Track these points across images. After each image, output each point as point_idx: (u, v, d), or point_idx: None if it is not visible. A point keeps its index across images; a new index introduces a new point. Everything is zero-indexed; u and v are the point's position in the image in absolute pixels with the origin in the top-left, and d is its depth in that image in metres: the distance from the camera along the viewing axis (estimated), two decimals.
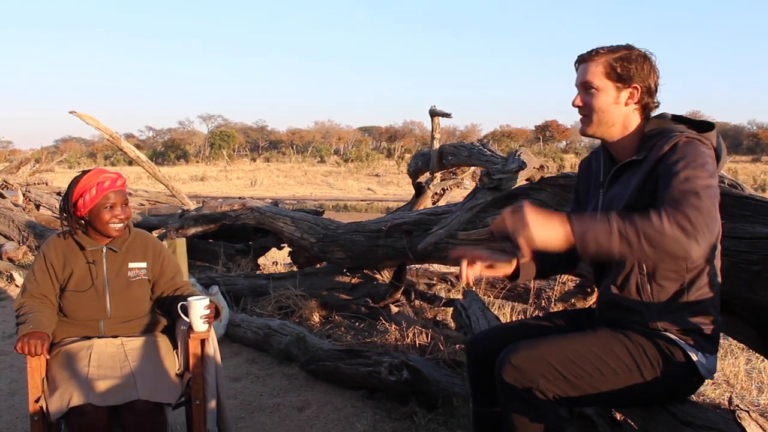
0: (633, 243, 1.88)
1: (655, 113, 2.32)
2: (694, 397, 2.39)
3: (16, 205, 11.31)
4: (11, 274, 7.76)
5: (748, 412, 1.62)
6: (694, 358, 2.17)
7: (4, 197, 12.13)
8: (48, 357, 2.69)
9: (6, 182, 13.27)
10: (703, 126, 2.23)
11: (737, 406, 1.64)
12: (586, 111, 2.31)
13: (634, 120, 2.29)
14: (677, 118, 2.28)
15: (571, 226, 1.95)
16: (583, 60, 2.31)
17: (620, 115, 2.28)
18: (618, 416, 2.59)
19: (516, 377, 2.15)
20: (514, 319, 5.33)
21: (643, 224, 1.89)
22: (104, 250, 2.91)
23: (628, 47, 2.27)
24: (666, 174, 2.05)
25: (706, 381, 2.38)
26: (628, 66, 2.23)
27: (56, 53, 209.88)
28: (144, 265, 2.96)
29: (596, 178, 2.45)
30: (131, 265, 2.94)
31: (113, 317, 2.88)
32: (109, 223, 2.84)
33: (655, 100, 2.30)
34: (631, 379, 2.16)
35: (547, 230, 1.96)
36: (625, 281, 2.26)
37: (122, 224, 2.88)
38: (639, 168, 2.20)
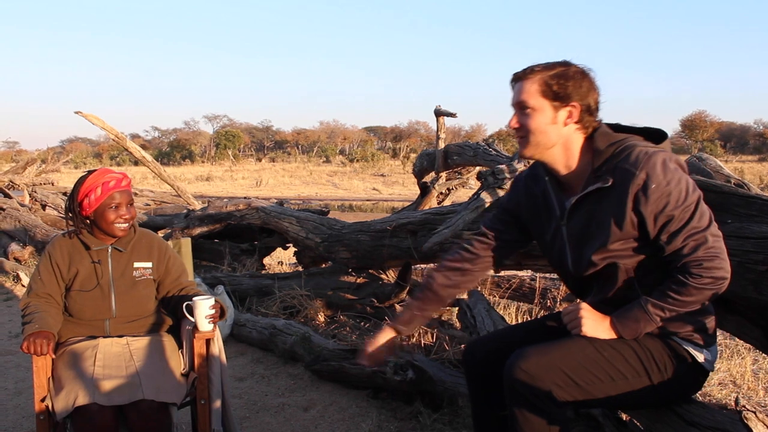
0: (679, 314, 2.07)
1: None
2: (700, 398, 2.38)
3: (23, 205, 11.33)
4: (17, 274, 7.79)
5: (754, 412, 1.61)
6: (700, 358, 2.16)
7: (10, 197, 12.17)
8: (53, 356, 2.70)
9: (12, 182, 13.30)
10: (653, 133, 2.18)
11: (744, 406, 1.63)
12: (523, 132, 2.21)
13: (577, 140, 2.20)
14: (617, 127, 2.21)
15: (618, 332, 2.16)
16: (518, 78, 2.21)
17: (559, 136, 2.18)
18: (624, 416, 2.58)
19: (527, 384, 2.10)
20: (519, 318, 5.33)
21: (681, 299, 2.03)
22: (109, 250, 2.92)
23: (565, 63, 2.17)
24: (663, 219, 2.02)
25: (713, 382, 2.37)
26: (565, 83, 2.13)
27: (62, 53, 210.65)
28: (149, 264, 2.97)
29: (546, 205, 2.34)
30: (136, 264, 2.94)
31: (118, 317, 2.88)
32: (114, 222, 2.84)
33: (597, 119, 2.20)
34: (639, 383, 2.14)
35: (597, 333, 2.17)
36: (618, 297, 2.21)
37: (127, 224, 2.88)
38: (608, 196, 2.10)
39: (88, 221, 2.89)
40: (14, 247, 9.00)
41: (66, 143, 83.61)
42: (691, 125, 66.23)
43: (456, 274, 2.54)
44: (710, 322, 2.20)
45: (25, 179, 13.88)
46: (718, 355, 3.04)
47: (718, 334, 2.29)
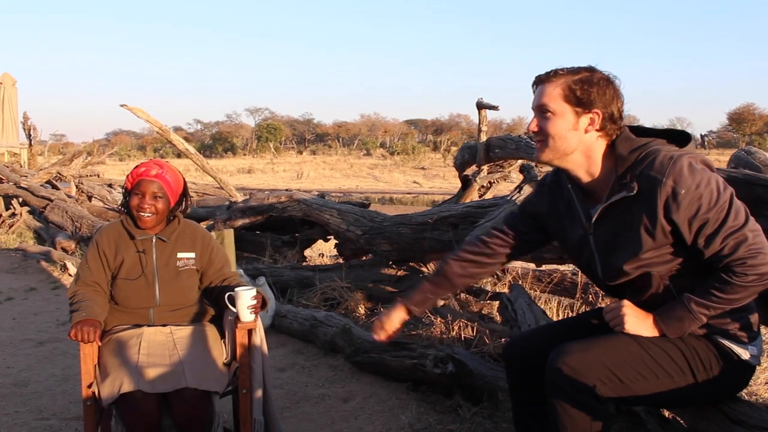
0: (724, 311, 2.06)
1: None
2: (745, 396, 2.33)
3: (69, 197, 11.56)
4: (65, 264, 7.96)
5: None
6: (745, 356, 2.11)
7: (57, 188, 12.43)
8: (100, 344, 2.75)
9: (60, 174, 13.59)
10: (677, 135, 2.13)
11: None
12: (542, 136, 2.17)
13: (599, 147, 2.15)
14: (637, 130, 2.16)
15: (662, 331, 2.13)
16: (540, 81, 2.17)
17: (579, 142, 2.13)
18: (667, 414, 2.54)
19: (571, 379, 2.08)
20: (561, 313, 5.27)
21: (727, 297, 2.00)
22: (153, 240, 2.96)
23: (590, 69, 2.12)
24: (699, 223, 1.97)
25: (759, 381, 2.32)
26: (589, 89, 2.08)
27: (108, 47, 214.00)
28: (192, 255, 3.00)
29: (570, 213, 2.30)
30: (180, 255, 2.99)
31: (162, 305, 2.93)
32: (136, 209, 2.89)
33: (620, 126, 2.14)
34: (684, 382, 2.11)
35: (639, 330, 2.14)
36: (654, 301, 2.17)
37: (150, 215, 2.89)
38: (637, 204, 2.05)
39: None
40: (62, 237, 9.19)
41: (111, 136, 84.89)
42: (738, 118, 64.82)
43: (472, 265, 2.56)
44: (753, 317, 2.16)
45: (72, 171, 14.15)
46: (763, 353, 2.96)
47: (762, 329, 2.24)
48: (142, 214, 2.89)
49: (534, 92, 2.20)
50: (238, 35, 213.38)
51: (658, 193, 1.98)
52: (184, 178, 3.10)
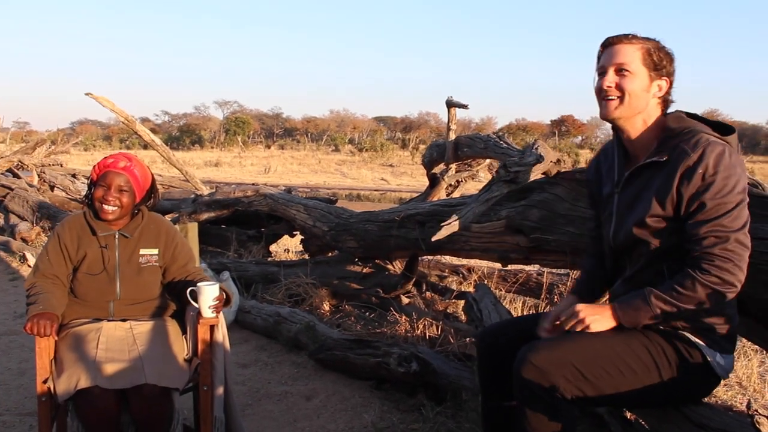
0: (676, 313, 2.09)
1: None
2: (705, 399, 2.34)
3: (31, 186, 11.35)
4: (24, 254, 7.80)
5: (767, 417, 1.58)
6: (711, 359, 2.13)
7: (19, 177, 12.19)
8: (57, 338, 2.69)
9: (21, 162, 13.32)
10: (723, 128, 2.19)
11: (756, 411, 1.60)
12: (617, 93, 2.24)
13: (654, 114, 2.25)
14: (693, 117, 2.23)
15: (618, 318, 2.17)
16: (615, 42, 2.25)
17: (646, 104, 2.24)
18: (629, 416, 2.55)
19: (536, 377, 2.11)
20: (526, 313, 5.29)
21: (684, 294, 2.05)
22: (116, 236, 2.90)
23: (658, 41, 2.24)
24: (696, 204, 2.06)
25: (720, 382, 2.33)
26: (664, 57, 2.22)
27: (75, 34, 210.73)
28: (155, 251, 2.94)
29: (609, 175, 2.41)
30: (143, 251, 2.92)
31: (122, 299, 2.87)
32: (100, 201, 2.81)
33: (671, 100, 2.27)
34: (649, 379, 2.12)
35: (600, 324, 2.18)
36: (646, 282, 2.20)
37: (113, 209, 2.82)
38: (660, 171, 2.15)
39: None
40: (22, 227, 9.01)
41: (76, 125, 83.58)
42: None
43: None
44: (727, 326, 2.17)
45: (34, 160, 13.88)
46: None
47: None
48: (106, 206, 2.81)
49: (604, 53, 2.27)
50: (208, 26, 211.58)
51: (681, 165, 2.08)
52: (152, 174, 3.04)
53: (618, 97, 2.24)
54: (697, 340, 2.14)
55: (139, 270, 2.90)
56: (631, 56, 2.21)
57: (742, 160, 2.10)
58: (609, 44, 2.26)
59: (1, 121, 22.13)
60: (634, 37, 2.23)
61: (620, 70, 2.22)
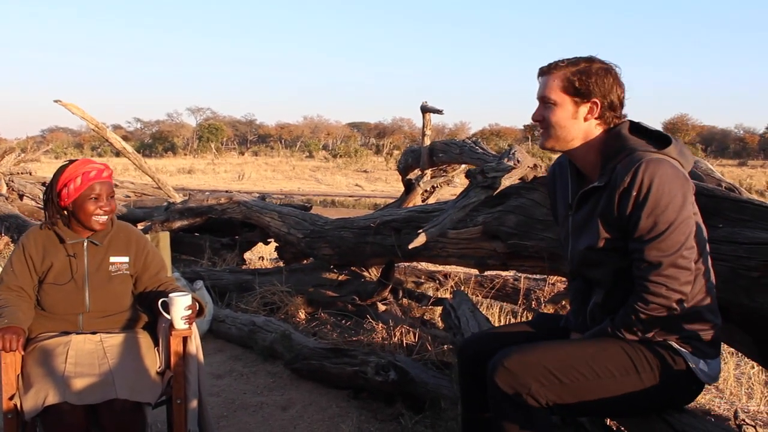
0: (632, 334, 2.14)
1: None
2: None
3: None
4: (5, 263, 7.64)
5: (754, 426, 1.55)
6: (694, 366, 2.10)
7: None
8: (23, 353, 2.60)
9: None
10: (662, 138, 2.16)
11: (743, 420, 1.57)
12: (544, 125, 2.26)
13: (595, 133, 2.24)
14: (636, 127, 2.21)
15: None
16: (542, 73, 2.26)
17: (579, 131, 2.22)
18: (611, 424, 2.52)
19: (508, 381, 2.09)
20: (503, 319, 5.27)
21: (636, 323, 2.10)
22: (85, 244, 2.82)
23: (589, 59, 2.21)
24: (632, 227, 2.07)
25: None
26: (587, 80, 2.16)
27: (44, 42, 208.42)
28: (126, 259, 2.87)
29: (562, 194, 2.41)
30: (113, 259, 2.85)
31: (92, 311, 2.79)
32: (93, 215, 2.75)
33: (620, 114, 2.23)
34: (629, 384, 2.10)
35: None
36: (617, 302, 2.20)
37: (107, 217, 2.79)
38: (602, 195, 2.15)
39: (65, 212, 2.80)
40: None
41: (47, 132, 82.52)
42: (672, 128, 66.64)
43: None
44: (711, 332, 2.15)
45: (3, 168, 13.61)
46: None
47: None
48: (99, 218, 2.77)
49: (538, 83, 2.28)
50: (180, 33, 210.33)
51: (617, 188, 2.07)
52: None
53: (545, 129, 2.26)
54: (680, 347, 2.12)
55: (110, 278, 2.82)
56: (552, 87, 2.21)
57: (682, 174, 2.07)
58: (539, 75, 2.28)
59: None
60: (557, 65, 2.22)
61: (545, 102, 2.24)
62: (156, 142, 71.11)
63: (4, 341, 2.45)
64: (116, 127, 78.96)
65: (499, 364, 2.12)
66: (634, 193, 2.03)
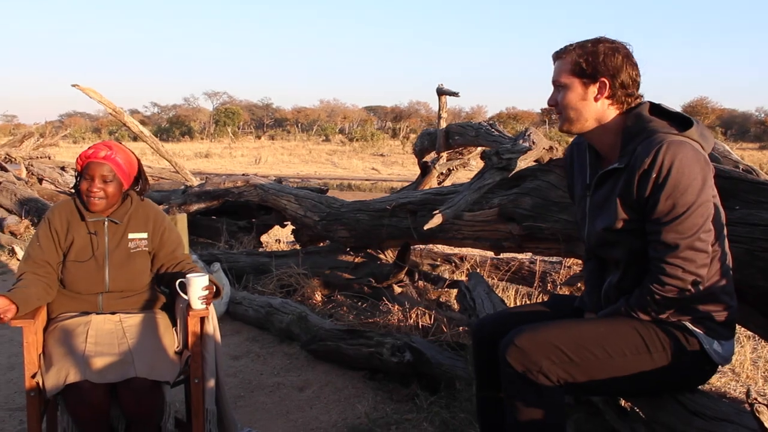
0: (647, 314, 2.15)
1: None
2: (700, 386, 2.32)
3: (19, 179, 11.24)
4: (12, 248, 7.73)
5: (767, 405, 1.55)
6: (707, 347, 2.11)
7: (6, 170, 12.08)
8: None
9: (9, 156, 13.19)
10: (684, 120, 2.15)
11: (755, 399, 1.57)
12: (558, 109, 2.30)
13: (610, 114, 2.23)
14: (657, 109, 2.20)
15: None
16: (555, 58, 2.29)
17: (592, 111, 2.23)
18: (625, 404, 2.53)
19: (519, 359, 2.10)
20: (518, 301, 5.28)
21: (651, 305, 2.11)
22: (105, 222, 2.85)
23: (597, 41, 2.21)
24: (650, 208, 2.06)
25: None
26: (594, 60, 2.17)
27: (63, 28, 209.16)
28: (144, 235, 2.90)
29: (582, 175, 2.41)
30: (131, 235, 2.88)
31: (112, 291, 2.82)
32: (86, 195, 2.77)
33: (635, 94, 2.22)
34: (641, 363, 2.10)
35: None
36: (633, 282, 2.21)
37: (99, 200, 2.78)
38: (621, 177, 2.14)
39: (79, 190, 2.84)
40: (10, 221, 8.92)
41: (65, 117, 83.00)
42: (692, 112, 65.97)
43: None
44: (725, 313, 2.15)
45: (22, 153, 13.76)
46: None
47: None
48: (92, 198, 2.77)
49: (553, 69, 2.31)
50: (196, 18, 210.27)
51: (636, 170, 2.06)
52: (138, 159, 2.98)
53: (560, 113, 2.29)
54: (694, 328, 2.12)
55: (129, 255, 2.85)
56: (562, 70, 2.24)
57: (702, 157, 2.06)
58: (553, 60, 2.30)
59: None
60: (567, 48, 2.24)
61: (557, 86, 2.28)
62: (173, 126, 71.25)
63: None
64: (133, 112, 79.18)
65: (511, 342, 2.13)
66: (654, 175, 2.02)
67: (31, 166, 12.68)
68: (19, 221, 8.93)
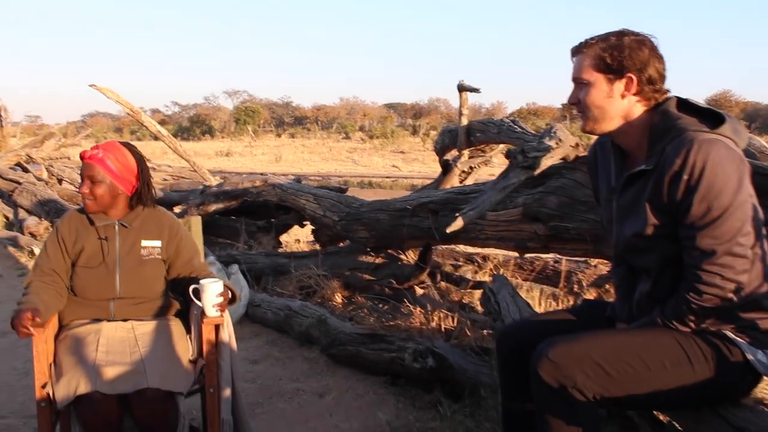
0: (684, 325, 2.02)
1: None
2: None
3: (39, 180, 11.26)
4: (32, 249, 7.73)
5: None
6: (751, 357, 1.97)
7: (27, 171, 12.12)
8: (40, 322, 2.48)
9: (30, 157, 13.24)
10: (715, 115, 2.01)
11: None
12: (580, 108, 2.16)
13: (637, 112, 2.09)
14: (685, 105, 2.06)
15: None
16: (574, 53, 2.16)
17: (618, 109, 2.09)
18: (662, 418, 2.40)
19: (553, 373, 1.97)
20: (543, 302, 5.14)
21: (688, 316, 1.99)
22: (116, 226, 2.76)
23: (620, 33, 2.07)
24: (683, 212, 1.93)
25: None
26: (619, 54, 2.03)
27: (86, 28, 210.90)
28: (158, 243, 2.80)
29: (607, 176, 2.27)
30: (144, 243, 2.79)
31: (123, 298, 2.73)
32: (81, 194, 2.72)
33: (662, 89, 2.08)
34: (682, 376, 1.97)
35: None
36: (664, 290, 2.09)
37: (89, 201, 2.70)
38: (650, 179, 2.01)
39: None
40: (30, 222, 8.93)
41: (87, 117, 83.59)
42: (715, 105, 64.95)
43: None
44: (766, 319, 2.01)
45: (43, 153, 13.82)
46: None
47: None
48: (84, 200, 2.72)
49: (572, 64, 2.17)
50: (216, 16, 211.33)
51: (667, 172, 1.94)
52: (137, 161, 2.82)
53: (583, 111, 2.15)
54: (736, 337, 1.99)
55: (141, 262, 2.76)
56: (584, 66, 2.10)
57: (737, 155, 1.92)
58: (571, 56, 2.16)
59: (9, 115, 22.08)
60: (587, 42, 2.10)
61: (579, 83, 2.14)
62: (194, 125, 71.56)
63: (19, 327, 2.41)
64: (155, 111, 79.68)
65: (543, 355, 2.00)
66: (686, 177, 1.89)
67: (51, 167, 12.72)
68: (38, 222, 8.93)
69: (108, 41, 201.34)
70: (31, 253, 7.70)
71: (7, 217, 10.44)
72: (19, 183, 10.73)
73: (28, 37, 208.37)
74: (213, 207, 7.10)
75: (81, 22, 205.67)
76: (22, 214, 9.78)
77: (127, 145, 2.83)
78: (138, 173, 2.79)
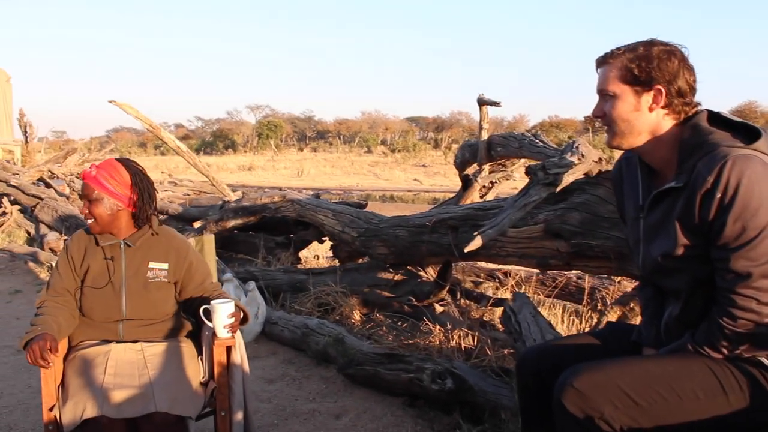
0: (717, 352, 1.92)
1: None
2: None
3: (61, 195, 11.32)
4: (52, 265, 7.72)
5: None
6: None
7: (50, 187, 12.19)
8: (56, 355, 2.41)
9: (52, 172, 13.33)
10: (749, 129, 1.90)
11: None
12: (606, 121, 2.06)
13: (666, 126, 1.99)
14: (716, 118, 1.95)
15: None
16: (599, 63, 2.05)
17: (646, 124, 1.99)
18: None
19: (578, 404, 1.86)
20: (566, 320, 5.02)
21: (721, 343, 1.89)
22: (122, 246, 2.70)
23: (649, 43, 1.97)
24: (716, 232, 1.83)
25: None
26: (648, 66, 1.94)
27: (110, 43, 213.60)
28: (165, 266, 2.72)
29: (634, 194, 2.16)
30: (151, 264, 2.71)
31: (131, 319, 2.67)
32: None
33: (692, 102, 1.98)
34: (715, 407, 1.86)
35: None
36: (694, 313, 1.99)
37: (90, 221, 2.65)
38: (681, 197, 1.90)
39: None
40: (50, 238, 8.95)
41: (112, 132, 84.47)
42: (740, 116, 64.14)
43: None
44: None
45: (65, 169, 13.91)
46: None
47: None
48: (87, 220, 2.67)
49: (597, 75, 2.08)
50: (238, 32, 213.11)
51: (698, 190, 1.83)
52: (137, 181, 2.70)
53: (609, 125, 2.06)
54: None
55: (146, 284, 2.69)
56: (610, 78, 2.00)
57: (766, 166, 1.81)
58: (596, 67, 2.06)
59: (35, 131, 22.33)
60: (614, 53, 2.00)
61: (604, 95, 2.04)
62: (216, 139, 72.08)
63: (33, 354, 2.34)
64: (178, 126, 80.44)
65: (569, 384, 1.89)
66: (719, 195, 1.79)
67: (73, 182, 12.79)
68: (59, 238, 8.95)
69: (134, 57, 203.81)
70: (51, 269, 7.71)
71: (28, 233, 10.50)
72: (41, 198, 10.80)
73: (56, 53, 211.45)
74: (232, 223, 7.06)
75: (105, 35, 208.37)
76: (43, 229, 9.83)
77: (124, 161, 2.75)
78: (132, 186, 2.69)
